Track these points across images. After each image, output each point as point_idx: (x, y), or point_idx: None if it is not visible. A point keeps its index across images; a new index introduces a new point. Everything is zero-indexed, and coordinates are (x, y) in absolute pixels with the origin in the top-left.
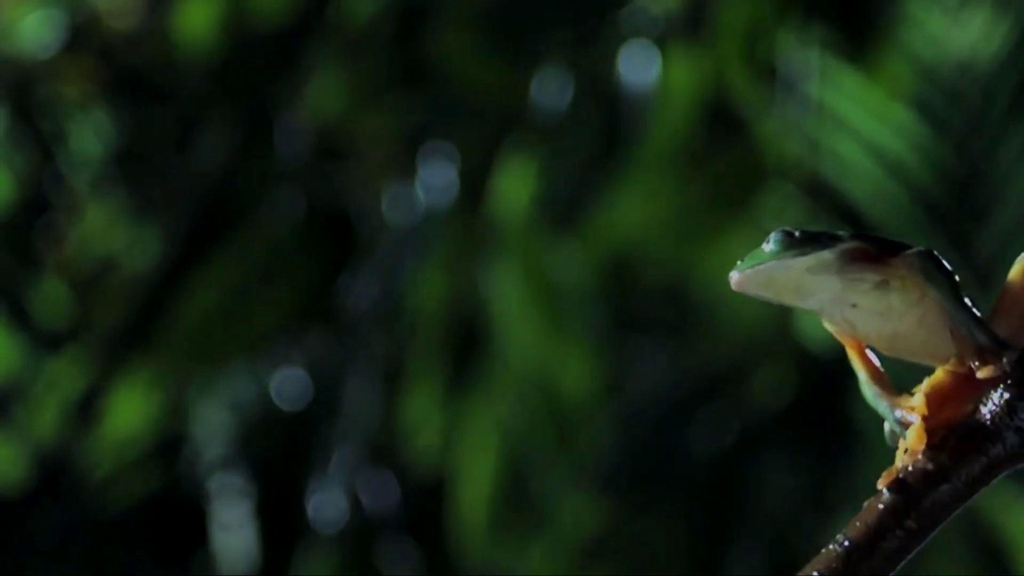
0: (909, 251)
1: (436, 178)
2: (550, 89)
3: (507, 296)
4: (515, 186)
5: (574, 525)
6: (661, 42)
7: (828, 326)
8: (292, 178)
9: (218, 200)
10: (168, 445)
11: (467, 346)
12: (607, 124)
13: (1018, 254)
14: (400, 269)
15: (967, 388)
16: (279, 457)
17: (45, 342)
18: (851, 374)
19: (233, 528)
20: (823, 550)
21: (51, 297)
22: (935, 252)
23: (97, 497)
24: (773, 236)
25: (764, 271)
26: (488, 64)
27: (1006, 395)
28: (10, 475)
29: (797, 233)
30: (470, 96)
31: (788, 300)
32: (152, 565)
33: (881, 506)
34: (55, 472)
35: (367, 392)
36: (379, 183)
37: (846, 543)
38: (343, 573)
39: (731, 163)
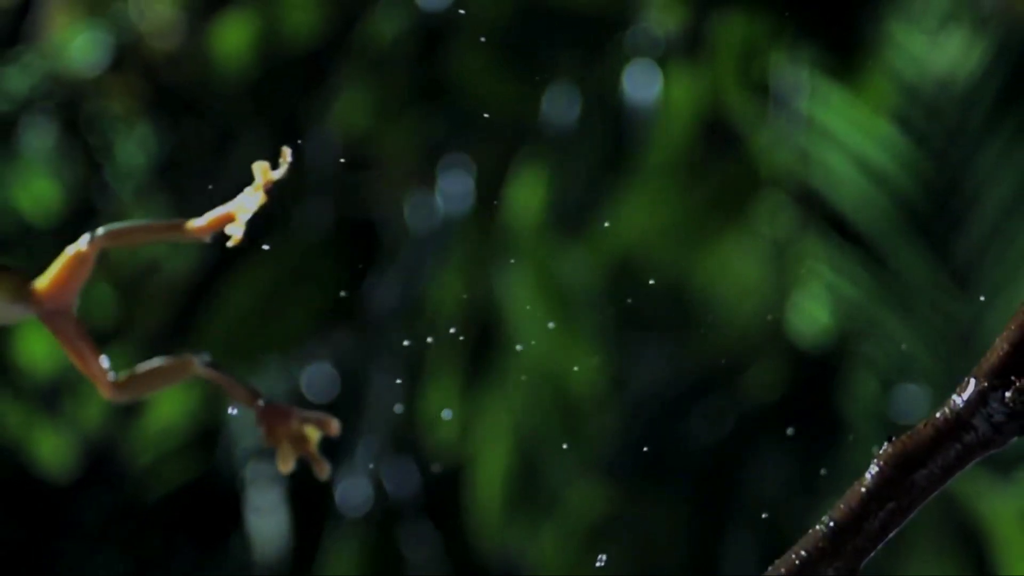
0: None
1: (454, 187)
2: (560, 104)
3: (520, 297)
4: (527, 195)
5: (581, 509)
6: (662, 61)
7: None
8: (321, 188)
9: None
10: (206, 435)
11: (483, 343)
12: (612, 137)
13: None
14: (421, 272)
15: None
16: None
17: (92, 340)
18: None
19: (266, 512)
20: (810, 531)
21: (98, 298)
22: None
23: (140, 484)
24: None
25: None
26: (502, 81)
27: (980, 387)
28: (59, 463)
29: None
30: (485, 111)
31: None
32: (190, 547)
33: (863, 490)
34: (101, 460)
35: (390, 386)
36: (401, 192)
37: (831, 524)
38: (368, 553)
39: (727, 173)
